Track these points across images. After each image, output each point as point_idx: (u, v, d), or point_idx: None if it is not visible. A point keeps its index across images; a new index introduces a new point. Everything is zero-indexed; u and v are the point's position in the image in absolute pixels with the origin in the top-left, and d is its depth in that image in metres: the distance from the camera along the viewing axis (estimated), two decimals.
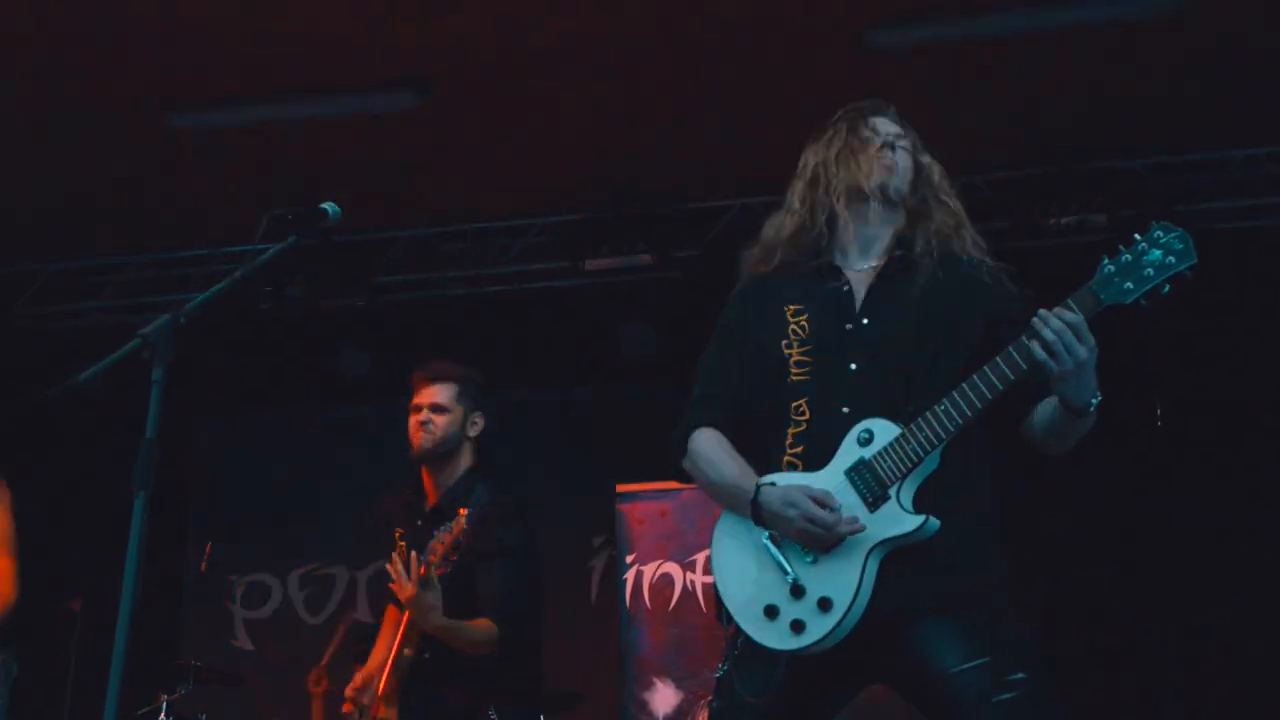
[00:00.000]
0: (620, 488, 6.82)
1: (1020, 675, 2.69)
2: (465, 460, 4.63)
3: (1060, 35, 6.04)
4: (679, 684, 6.48)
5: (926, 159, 3.13)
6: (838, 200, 3.03)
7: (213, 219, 7.70)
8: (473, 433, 4.66)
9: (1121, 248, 2.67)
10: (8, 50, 6.30)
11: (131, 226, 7.92)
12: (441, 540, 4.30)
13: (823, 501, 2.79)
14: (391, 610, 4.71)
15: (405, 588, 4.22)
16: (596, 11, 5.99)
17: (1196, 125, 6.78)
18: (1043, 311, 2.67)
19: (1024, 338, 2.69)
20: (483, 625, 4.37)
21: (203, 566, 7.16)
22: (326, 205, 3.19)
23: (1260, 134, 6.72)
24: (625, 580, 6.76)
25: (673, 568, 6.68)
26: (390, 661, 4.54)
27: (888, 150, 3.03)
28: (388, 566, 4.34)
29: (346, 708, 4.78)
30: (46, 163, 7.22)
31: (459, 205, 7.69)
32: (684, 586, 6.64)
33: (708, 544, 5.71)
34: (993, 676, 2.70)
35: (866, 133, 3.06)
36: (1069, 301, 2.68)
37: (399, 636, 4.55)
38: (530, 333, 7.93)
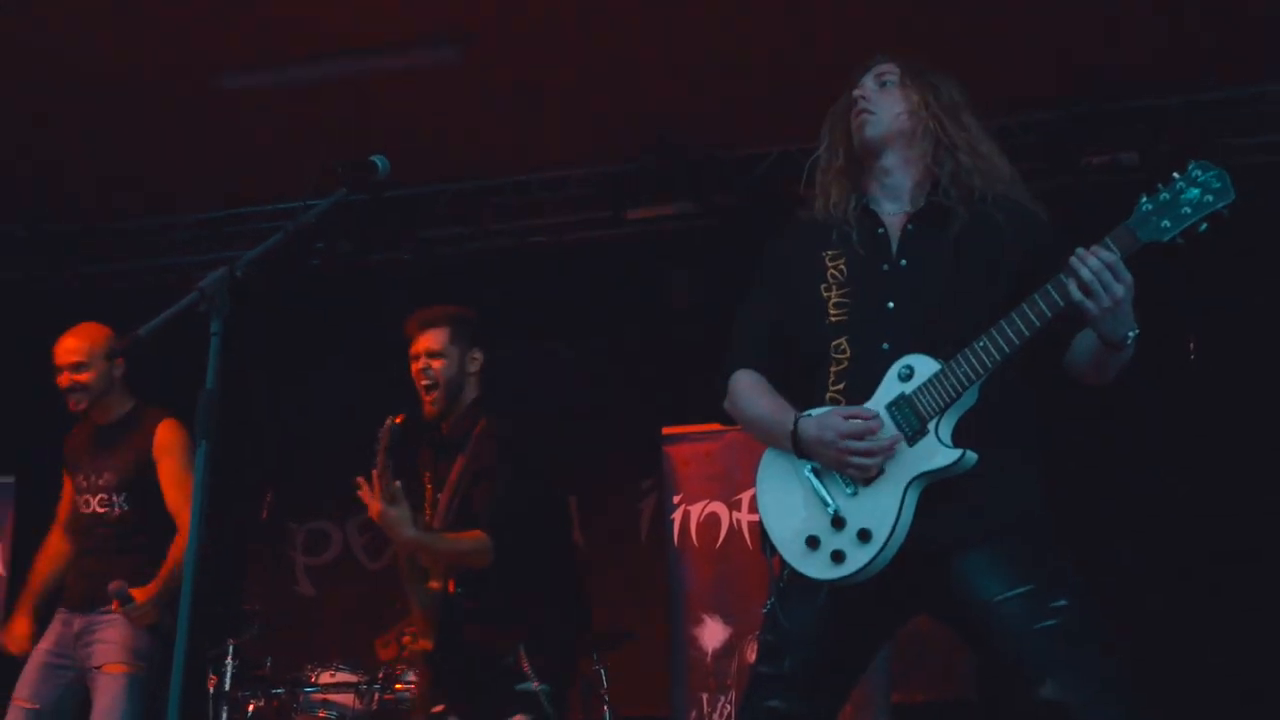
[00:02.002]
0: (666, 430, 6.87)
1: (1063, 602, 2.66)
2: (470, 393, 4.63)
3: None
4: (726, 620, 6.55)
5: (927, 95, 3.05)
6: (850, 159, 3.07)
7: (261, 178, 7.54)
8: (473, 369, 4.66)
9: (1160, 186, 2.63)
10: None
11: (185, 185, 7.80)
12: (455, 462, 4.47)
13: (859, 415, 2.78)
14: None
15: (373, 505, 4.24)
16: None
17: (1231, 61, 6.49)
18: (1080, 250, 2.63)
19: (1061, 276, 2.65)
20: (469, 535, 4.36)
21: (264, 515, 7.11)
22: (376, 158, 3.15)
23: None
24: (673, 520, 6.78)
25: (719, 507, 6.69)
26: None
27: (858, 107, 3.01)
28: (358, 493, 4.34)
29: (395, 647, 4.98)
30: (104, 121, 7.07)
31: (503, 159, 7.52)
32: (730, 525, 6.66)
33: (752, 483, 5.64)
34: (1035, 604, 2.68)
35: (854, 91, 3.06)
36: (1107, 240, 2.64)
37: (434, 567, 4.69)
38: (575, 283, 7.80)
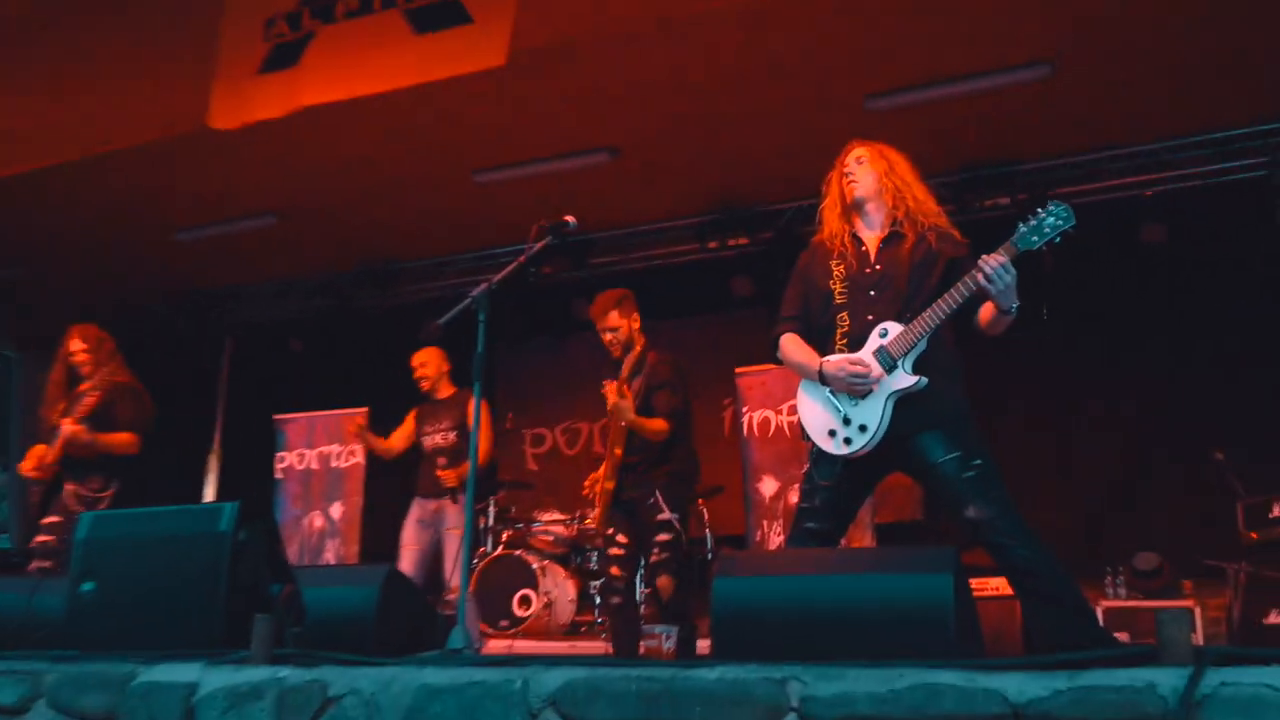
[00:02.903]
0: (738, 370, 7.82)
1: (978, 462, 3.18)
2: (639, 342, 5.21)
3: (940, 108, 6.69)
4: (776, 477, 7.56)
5: (886, 167, 3.55)
6: (843, 206, 3.56)
7: (502, 230, 8.70)
8: (636, 326, 5.21)
9: (1030, 214, 3.16)
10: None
11: (456, 236, 9.24)
12: (637, 380, 5.07)
13: (858, 361, 3.31)
14: (613, 428, 5.24)
15: (610, 397, 4.93)
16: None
17: (1066, 140, 7.49)
18: (985, 257, 3.17)
19: (973, 271, 3.18)
20: (657, 421, 5.07)
21: (508, 425, 9.29)
22: (568, 219, 3.81)
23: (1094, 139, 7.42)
24: (743, 420, 7.75)
25: (770, 412, 7.67)
26: (609, 457, 5.20)
27: (847, 178, 3.57)
28: (603, 391, 5.02)
29: (588, 486, 5.44)
30: (399, 203, 8.41)
31: (633, 213, 8.71)
32: (776, 424, 7.65)
33: (790, 397, 7.03)
34: (961, 463, 3.17)
35: (842, 169, 3.60)
36: (1000, 250, 3.16)
37: (613, 441, 5.19)
38: (677, 287, 8.93)
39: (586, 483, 5.42)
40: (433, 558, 6.18)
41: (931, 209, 3.50)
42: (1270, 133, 7.17)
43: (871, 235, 3.49)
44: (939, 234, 3.43)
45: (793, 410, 7.84)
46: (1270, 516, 5.72)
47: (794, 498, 7.69)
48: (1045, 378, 7.96)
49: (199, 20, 5.83)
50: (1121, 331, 7.71)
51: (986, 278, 3.12)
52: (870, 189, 3.50)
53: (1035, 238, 3.10)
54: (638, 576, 5.51)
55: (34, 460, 5.31)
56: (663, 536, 4.97)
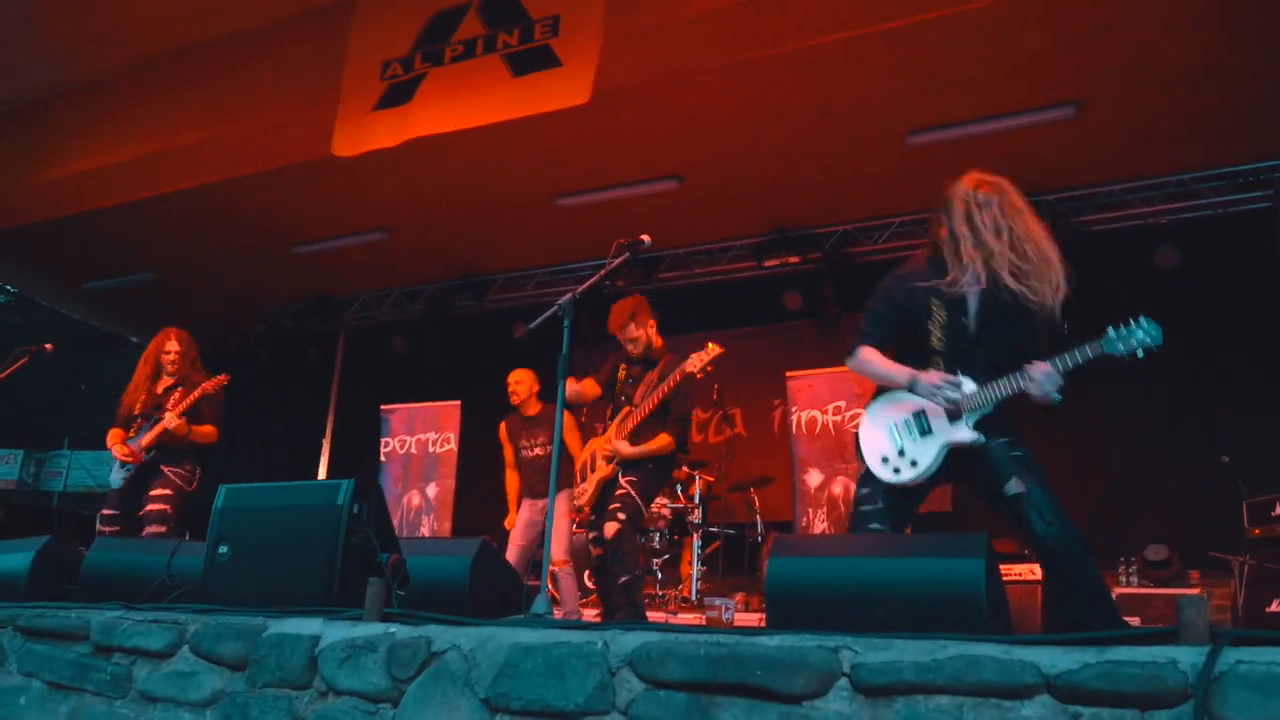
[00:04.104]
0: (788, 374, 8.00)
1: (1024, 450, 3.14)
2: (657, 343, 4.99)
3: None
4: (821, 469, 7.75)
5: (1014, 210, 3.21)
6: (952, 260, 3.23)
7: (580, 248, 8.95)
8: (653, 331, 4.99)
9: (1123, 324, 2.95)
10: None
11: (539, 251, 9.33)
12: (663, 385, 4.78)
13: (955, 381, 3.17)
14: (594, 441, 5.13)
15: (605, 451, 4.80)
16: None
17: (1088, 173, 7.44)
18: (1033, 366, 3.06)
19: (1021, 376, 3.08)
20: (661, 439, 4.77)
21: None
22: (644, 237, 3.79)
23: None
24: (791, 419, 7.94)
25: (817, 412, 7.85)
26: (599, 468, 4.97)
27: (1003, 237, 3.14)
28: (597, 451, 4.87)
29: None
30: (493, 222, 8.55)
31: (696, 234, 8.83)
32: (822, 422, 7.82)
33: (834, 399, 7.52)
34: (1009, 446, 3.14)
35: (978, 207, 3.18)
36: (1088, 346, 2.98)
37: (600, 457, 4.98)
38: (734, 300, 8.92)
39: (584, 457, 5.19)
40: (537, 551, 6.10)
41: (1032, 257, 3.16)
42: (1275, 169, 7.13)
43: (971, 288, 3.24)
44: (1025, 301, 3.15)
45: (838, 410, 8.15)
46: (1272, 514, 5.68)
47: (836, 488, 7.88)
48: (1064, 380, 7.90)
49: (325, 62, 5.99)
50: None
51: (1034, 382, 3.06)
52: (972, 255, 3.20)
53: (1121, 346, 2.93)
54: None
55: (123, 445, 5.41)
56: (620, 492, 4.74)
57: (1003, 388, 3.10)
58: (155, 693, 2.75)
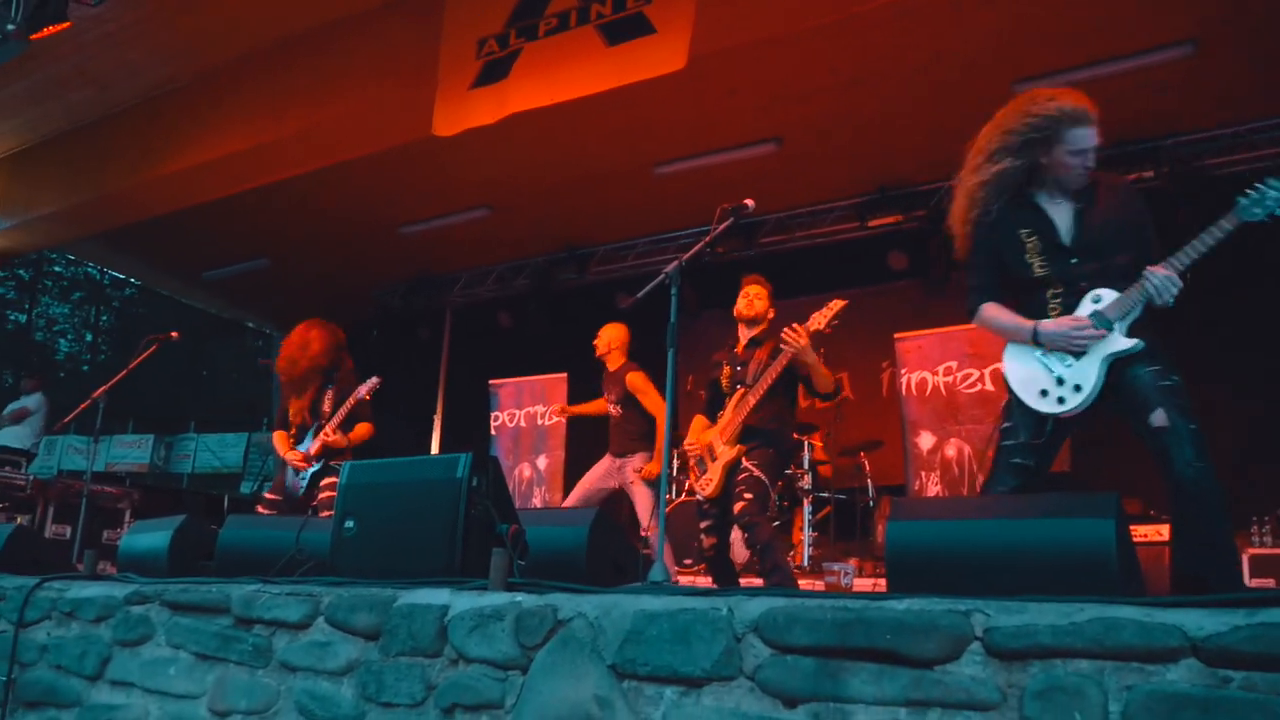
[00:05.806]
0: (897, 335, 7.88)
1: (1175, 379, 3.01)
2: (770, 313, 4.97)
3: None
4: (933, 432, 7.61)
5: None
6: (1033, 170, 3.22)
7: (677, 215, 8.96)
8: (767, 305, 4.96)
9: (1250, 189, 2.91)
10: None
11: (640, 221, 9.40)
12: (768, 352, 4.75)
13: (1080, 320, 3.11)
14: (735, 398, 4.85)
15: (798, 339, 4.47)
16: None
17: (1209, 115, 7.23)
18: (1151, 269, 3.01)
19: (1141, 283, 3.02)
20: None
21: (688, 388, 9.24)
22: (748, 202, 3.81)
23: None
24: (901, 381, 7.83)
25: (927, 373, 7.70)
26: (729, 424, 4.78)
27: (1086, 157, 3.18)
28: (784, 336, 4.55)
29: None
30: (601, 193, 8.70)
31: (797, 196, 8.79)
32: (933, 384, 7.66)
33: (944, 360, 7.37)
34: (1159, 375, 3.02)
35: (1091, 144, 3.16)
36: (1225, 219, 2.93)
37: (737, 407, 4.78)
38: (837, 262, 8.84)
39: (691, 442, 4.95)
40: (599, 502, 6.09)
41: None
42: None
43: (1060, 205, 3.25)
44: (1120, 195, 3.22)
45: (949, 371, 7.99)
46: None
47: (950, 450, 7.75)
48: (1189, 333, 7.55)
49: (422, 43, 6.08)
50: (1267, 292, 7.24)
51: (1153, 287, 3.00)
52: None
53: (1258, 209, 2.88)
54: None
55: (295, 452, 5.48)
56: (742, 475, 4.57)
57: (1134, 293, 3.03)
58: (294, 662, 2.85)
